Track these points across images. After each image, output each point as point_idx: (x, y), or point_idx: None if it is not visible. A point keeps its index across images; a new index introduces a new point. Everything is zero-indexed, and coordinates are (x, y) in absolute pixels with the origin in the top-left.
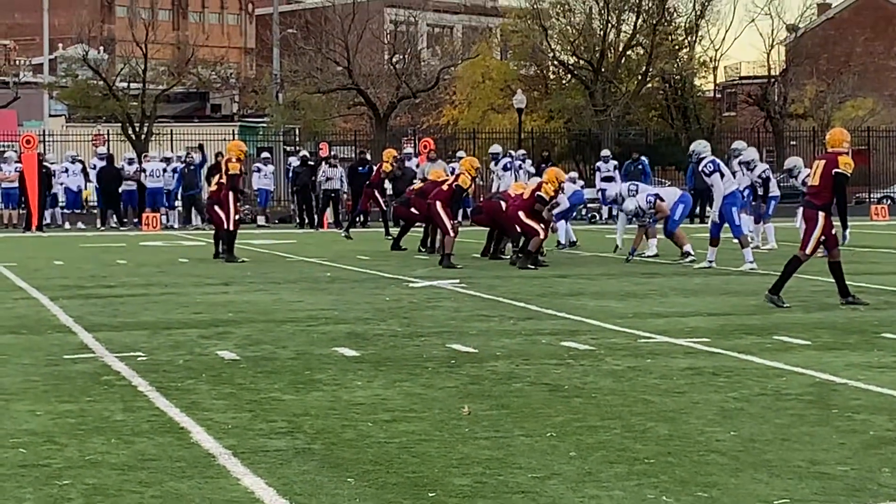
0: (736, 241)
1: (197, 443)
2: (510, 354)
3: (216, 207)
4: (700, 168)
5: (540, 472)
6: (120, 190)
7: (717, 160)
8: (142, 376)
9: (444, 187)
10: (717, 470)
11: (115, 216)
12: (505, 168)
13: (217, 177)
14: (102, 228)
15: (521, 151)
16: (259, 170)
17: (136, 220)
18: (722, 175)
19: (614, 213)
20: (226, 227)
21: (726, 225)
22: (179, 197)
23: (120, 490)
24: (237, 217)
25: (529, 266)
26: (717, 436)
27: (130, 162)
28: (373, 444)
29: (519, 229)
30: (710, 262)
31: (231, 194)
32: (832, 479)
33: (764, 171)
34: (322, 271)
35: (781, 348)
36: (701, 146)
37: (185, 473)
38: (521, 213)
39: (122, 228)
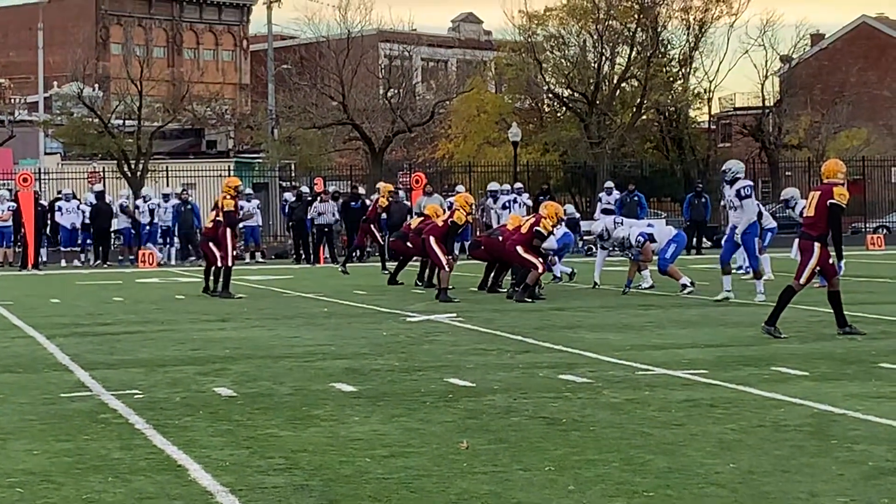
0: (748, 273)
1: (195, 480)
2: (508, 388)
3: (210, 244)
4: (735, 187)
5: None
6: (115, 227)
7: (752, 184)
8: (139, 414)
9: (440, 223)
10: (716, 502)
11: (101, 253)
12: (504, 206)
13: (213, 214)
14: (94, 265)
15: (518, 185)
16: (242, 207)
17: (131, 258)
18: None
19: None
20: (223, 263)
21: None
22: (176, 234)
23: None
24: (234, 254)
25: (527, 299)
26: (717, 468)
27: (128, 198)
28: (371, 479)
29: (518, 264)
30: (728, 291)
31: (228, 231)
32: None
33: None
34: (319, 307)
35: (779, 379)
36: (738, 166)
37: None
38: (519, 248)
39: (105, 266)
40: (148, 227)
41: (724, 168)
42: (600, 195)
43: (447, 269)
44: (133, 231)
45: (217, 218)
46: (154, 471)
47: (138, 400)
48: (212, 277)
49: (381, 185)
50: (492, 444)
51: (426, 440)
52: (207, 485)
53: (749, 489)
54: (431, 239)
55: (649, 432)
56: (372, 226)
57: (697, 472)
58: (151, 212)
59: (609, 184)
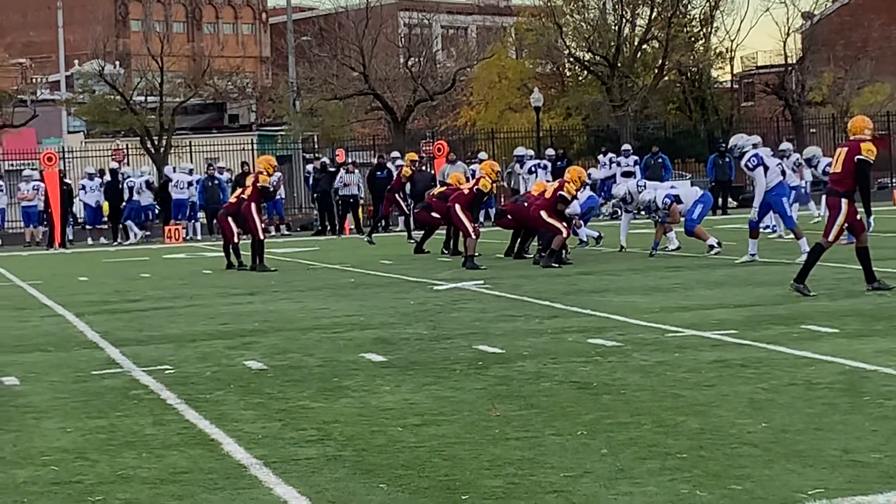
0: (774, 232)
1: (228, 454)
2: (537, 354)
3: (229, 219)
4: (743, 163)
5: (572, 471)
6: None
7: (761, 154)
8: (170, 389)
9: (465, 191)
10: (749, 462)
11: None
12: (530, 171)
13: (239, 190)
14: (116, 243)
15: (549, 151)
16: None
17: (147, 234)
18: (766, 168)
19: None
20: (255, 237)
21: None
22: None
23: None
24: (262, 227)
25: (553, 265)
26: (749, 428)
27: (144, 174)
28: (403, 448)
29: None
30: (753, 254)
31: (254, 206)
32: (866, 467)
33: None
34: (346, 277)
35: (809, 337)
36: (742, 140)
37: (217, 485)
38: (543, 213)
39: (125, 243)
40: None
41: (729, 147)
42: (618, 159)
43: (473, 236)
44: (158, 207)
45: (241, 195)
46: (187, 445)
47: (169, 375)
48: (235, 253)
49: (407, 155)
50: (523, 410)
51: (457, 408)
52: (241, 458)
53: (782, 448)
54: (457, 207)
55: (680, 394)
56: (397, 195)
57: (730, 432)
58: (131, 189)
59: (626, 147)
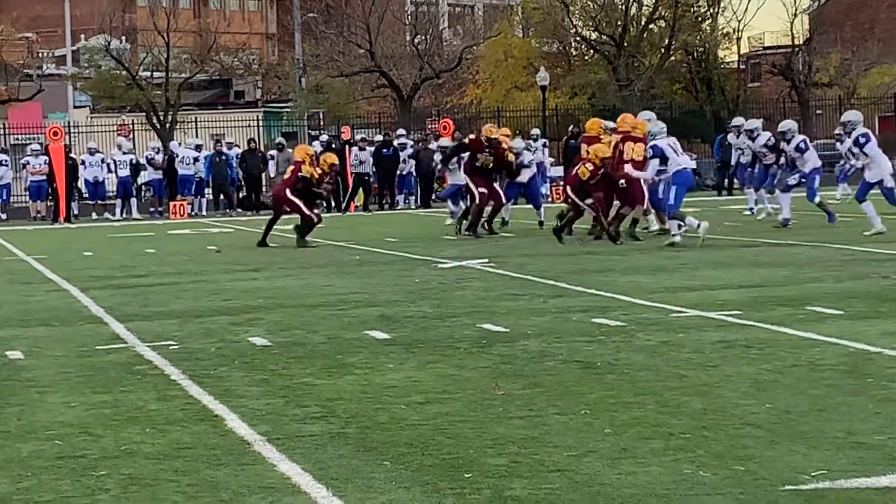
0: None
1: (232, 430)
2: (541, 333)
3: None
4: (854, 138)
5: (575, 450)
6: (144, 179)
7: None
8: (174, 365)
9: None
10: (753, 443)
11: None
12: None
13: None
14: (135, 216)
15: (535, 131)
16: (272, 157)
17: (160, 210)
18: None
19: None
20: (306, 219)
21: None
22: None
23: (156, 479)
24: (316, 211)
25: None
26: (752, 408)
27: (157, 151)
28: (407, 426)
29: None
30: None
31: (288, 191)
32: (869, 449)
33: (768, 140)
34: (350, 255)
35: (814, 319)
36: (856, 116)
37: (221, 461)
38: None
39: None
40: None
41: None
42: None
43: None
44: (164, 182)
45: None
46: (191, 421)
47: (173, 351)
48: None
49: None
50: (527, 389)
51: (461, 386)
52: (244, 434)
53: (786, 429)
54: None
55: (684, 374)
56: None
57: (733, 413)
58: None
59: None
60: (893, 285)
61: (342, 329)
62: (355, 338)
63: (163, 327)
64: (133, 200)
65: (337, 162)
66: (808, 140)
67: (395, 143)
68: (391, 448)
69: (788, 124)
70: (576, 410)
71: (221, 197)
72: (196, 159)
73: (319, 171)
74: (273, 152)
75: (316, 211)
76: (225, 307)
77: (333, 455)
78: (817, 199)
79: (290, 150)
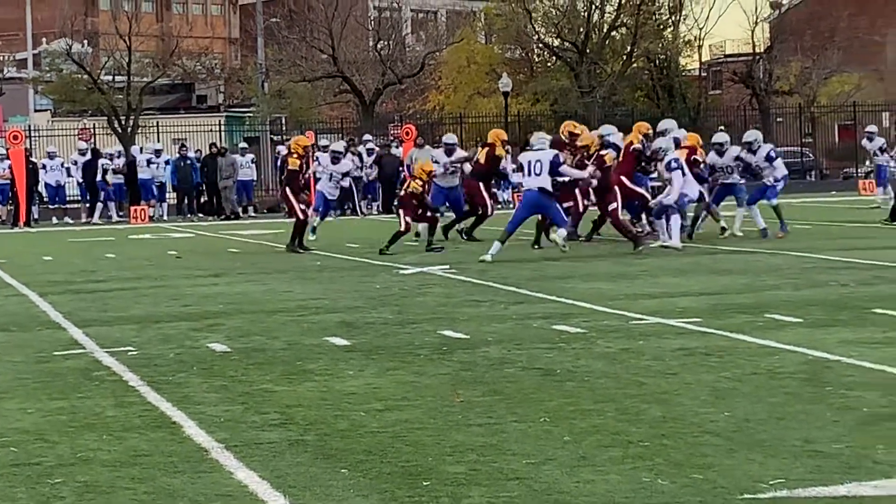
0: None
1: (189, 437)
2: (502, 339)
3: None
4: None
5: (534, 458)
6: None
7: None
8: (133, 371)
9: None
10: (711, 451)
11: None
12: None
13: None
14: (95, 221)
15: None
16: (236, 161)
17: (120, 214)
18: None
19: None
20: (296, 217)
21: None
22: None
23: (112, 487)
24: (301, 207)
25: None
26: (711, 416)
27: (119, 155)
28: (366, 433)
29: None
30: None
31: (288, 190)
32: (827, 457)
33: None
34: (311, 260)
35: (773, 326)
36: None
37: (178, 468)
38: (624, 178)
39: (112, 220)
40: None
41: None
42: None
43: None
44: (125, 187)
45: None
46: (148, 428)
47: (132, 357)
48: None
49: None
50: (486, 396)
51: (421, 393)
52: (202, 441)
53: (744, 437)
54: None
55: (644, 382)
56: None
57: (692, 420)
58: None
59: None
60: (852, 293)
61: (302, 335)
62: (315, 344)
63: (122, 333)
64: (112, 204)
65: (434, 170)
66: (775, 149)
67: (362, 148)
68: (350, 455)
69: (754, 134)
70: (535, 418)
71: (185, 201)
72: (155, 163)
73: (420, 183)
74: (236, 156)
75: (302, 207)
76: (184, 313)
77: (291, 462)
78: (775, 202)
79: (234, 157)
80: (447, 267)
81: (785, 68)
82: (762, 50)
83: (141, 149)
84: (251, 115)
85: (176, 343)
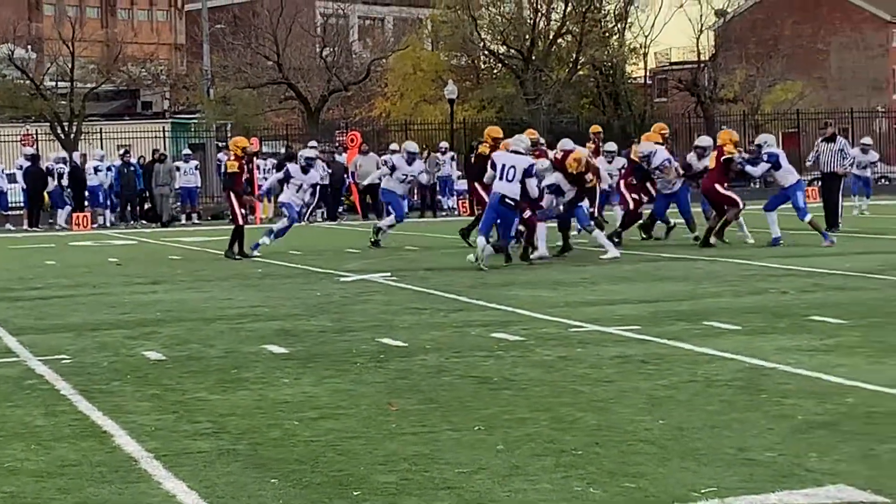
0: None
1: (119, 446)
2: (440, 347)
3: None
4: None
5: (466, 467)
6: (49, 189)
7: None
8: (65, 380)
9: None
10: (644, 459)
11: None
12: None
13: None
14: (34, 229)
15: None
16: (179, 168)
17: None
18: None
19: None
20: (240, 226)
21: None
22: (117, 196)
23: (38, 497)
24: (242, 212)
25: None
26: (646, 425)
27: (65, 161)
28: (298, 442)
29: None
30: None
31: (231, 194)
32: (760, 465)
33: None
34: (253, 267)
35: (711, 334)
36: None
37: (106, 478)
38: (717, 186)
39: (56, 227)
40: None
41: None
42: None
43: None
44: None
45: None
46: (78, 437)
47: (66, 365)
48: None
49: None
50: (422, 405)
51: (356, 402)
52: (132, 451)
53: (678, 445)
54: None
55: (580, 390)
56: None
57: (627, 429)
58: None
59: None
60: (791, 301)
61: (240, 343)
62: (252, 352)
63: (57, 341)
64: (68, 208)
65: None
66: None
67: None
68: (281, 465)
69: (707, 140)
70: (469, 426)
71: (128, 208)
72: (102, 170)
73: None
74: (180, 163)
75: (243, 212)
76: (122, 320)
77: (221, 472)
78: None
79: (175, 164)
80: (388, 274)
81: (729, 76)
82: (707, 58)
83: (83, 155)
84: (196, 121)
85: (111, 351)
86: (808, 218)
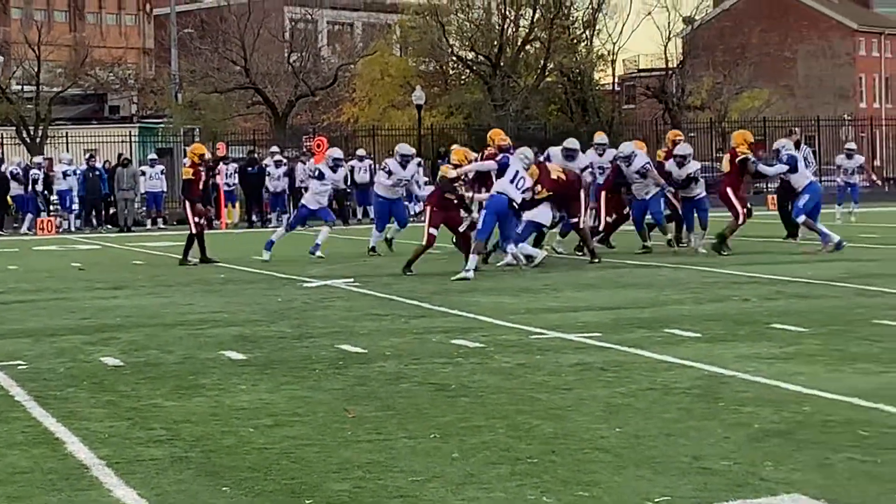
0: None
1: (71, 454)
2: (399, 354)
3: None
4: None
5: (421, 476)
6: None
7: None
8: (21, 385)
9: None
10: (599, 468)
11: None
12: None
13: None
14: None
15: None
16: (144, 173)
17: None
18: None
19: None
20: (192, 234)
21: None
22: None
23: None
24: (196, 220)
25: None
26: (602, 432)
27: (39, 167)
28: (252, 450)
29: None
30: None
31: (186, 201)
32: (715, 474)
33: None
34: (216, 273)
35: (672, 341)
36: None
37: (56, 486)
38: (729, 190)
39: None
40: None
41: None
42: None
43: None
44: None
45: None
46: (30, 444)
47: (21, 371)
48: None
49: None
50: (379, 412)
51: (312, 409)
52: (84, 458)
53: (634, 454)
54: (427, 208)
55: (538, 397)
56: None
57: (583, 437)
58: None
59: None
60: (752, 308)
61: (198, 349)
62: (210, 358)
63: (14, 346)
64: (30, 216)
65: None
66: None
67: (271, 160)
68: (233, 473)
69: (687, 149)
70: (425, 434)
71: (93, 213)
72: (70, 175)
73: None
74: (145, 168)
75: (196, 220)
76: (81, 326)
77: (173, 480)
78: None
79: (140, 168)
80: (352, 280)
81: (697, 83)
82: (675, 65)
83: (50, 160)
84: (164, 126)
85: (69, 357)
86: (801, 219)
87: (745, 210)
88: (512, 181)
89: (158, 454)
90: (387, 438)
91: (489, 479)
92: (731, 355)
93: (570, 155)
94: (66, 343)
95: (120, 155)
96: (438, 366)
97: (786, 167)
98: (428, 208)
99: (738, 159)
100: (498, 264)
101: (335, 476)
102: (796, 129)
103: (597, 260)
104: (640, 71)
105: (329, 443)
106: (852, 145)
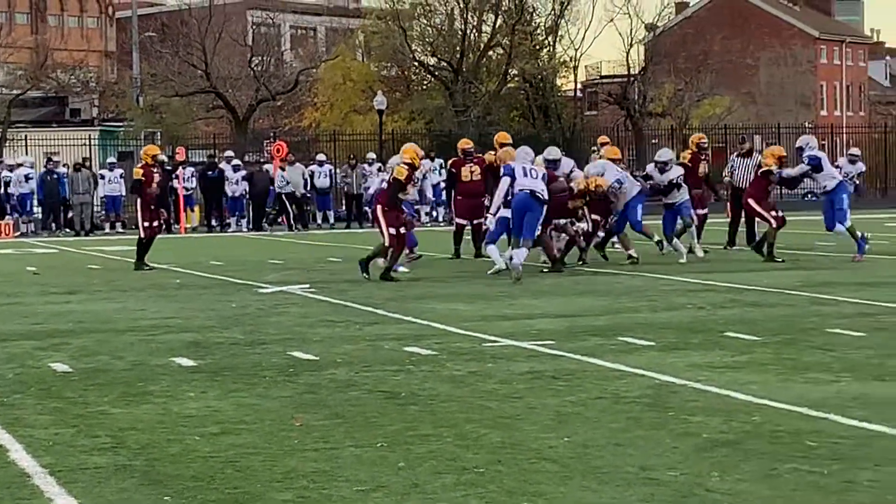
0: None
1: (13, 461)
2: (351, 361)
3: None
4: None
5: (365, 485)
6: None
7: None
8: None
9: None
10: (545, 478)
11: None
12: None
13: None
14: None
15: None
16: (103, 177)
17: None
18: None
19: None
20: (143, 238)
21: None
22: (40, 204)
23: None
24: (146, 225)
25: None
26: (550, 442)
27: (11, 169)
28: (197, 458)
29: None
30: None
31: (138, 203)
32: (661, 485)
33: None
34: (172, 278)
35: (625, 350)
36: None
37: None
38: (751, 200)
39: None
40: None
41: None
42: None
43: (387, 243)
44: None
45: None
46: None
47: None
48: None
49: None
50: (327, 420)
51: (260, 416)
52: (26, 466)
53: (580, 464)
54: (378, 208)
55: (488, 406)
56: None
57: (531, 446)
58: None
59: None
60: (707, 316)
61: (149, 355)
62: (160, 364)
63: None
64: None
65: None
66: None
67: (229, 164)
68: (176, 482)
69: (668, 154)
70: (372, 443)
71: (51, 216)
72: (31, 178)
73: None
74: (104, 171)
75: (146, 224)
76: (32, 331)
77: (115, 489)
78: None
79: (99, 172)
80: (307, 286)
81: (658, 90)
82: (637, 72)
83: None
84: (125, 129)
85: (17, 363)
86: (847, 224)
87: (777, 215)
88: (525, 175)
89: (102, 462)
90: (333, 447)
91: (434, 488)
92: (684, 364)
93: (551, 166)
94: (16, 349)
95: (85, 159)
96: (390, 373)
97: (808, 167)
98: (378, 208)
99: (760, 171)
100: (489, 272)
101: (279, 485)
102: (746, 136)
103: (558, 269)
104: (602, 77)
105: (275, 451)
106: (856, 150)
